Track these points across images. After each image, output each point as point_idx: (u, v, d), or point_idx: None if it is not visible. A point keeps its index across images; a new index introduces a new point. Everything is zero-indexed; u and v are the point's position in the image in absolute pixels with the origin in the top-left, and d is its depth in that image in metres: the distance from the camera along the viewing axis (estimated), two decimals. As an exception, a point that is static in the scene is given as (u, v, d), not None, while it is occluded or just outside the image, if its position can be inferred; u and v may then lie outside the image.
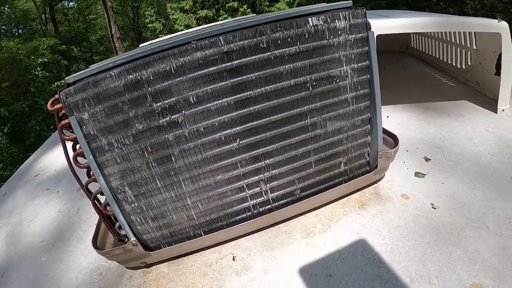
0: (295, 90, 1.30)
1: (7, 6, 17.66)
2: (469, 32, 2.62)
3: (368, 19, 1.40)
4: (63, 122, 1.25)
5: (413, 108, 2.53)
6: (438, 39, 3.18)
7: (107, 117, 1.20)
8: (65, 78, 1.26)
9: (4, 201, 2.56)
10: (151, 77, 1.17)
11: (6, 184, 2.97)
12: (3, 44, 15.42)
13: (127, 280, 1.52)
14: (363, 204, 1.65)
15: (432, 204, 1.61)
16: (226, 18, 7.57)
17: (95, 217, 1.98)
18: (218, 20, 7.93)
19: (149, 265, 1.55)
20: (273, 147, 1.35)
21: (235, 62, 1.21)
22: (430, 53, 3.42)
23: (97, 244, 1.49)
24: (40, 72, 12.51)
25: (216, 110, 1.24)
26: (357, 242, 1.47)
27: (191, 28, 8.26)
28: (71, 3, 21.59)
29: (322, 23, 1.26)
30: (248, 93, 1.25)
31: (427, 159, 1.93)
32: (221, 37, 1.17)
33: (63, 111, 1.23)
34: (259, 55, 1.22)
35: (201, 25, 8.22)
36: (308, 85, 1.31)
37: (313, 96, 1.34)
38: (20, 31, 19.34)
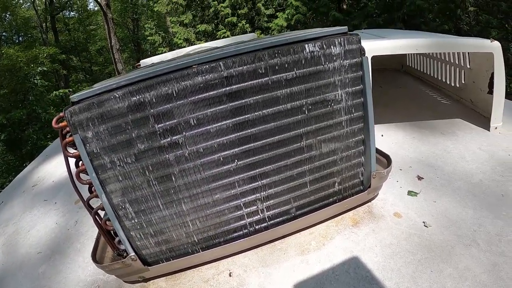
0: (291, 114, 1.35)
1: (9, 13, 17.73)
2: (463, 52, 2.68)
3: (364, 40, 1.45)
4: (67, 139, 1.29)
5: (407, 126, 2.58)
6: (433, 58, 3.25)
7: (110, 136, 1.25)
8: (70, 97, 1.29)
9: (0, 210, 2.56)
10: (154, 100, 1.22)
11: (2, 193, 2.97)
12: (3, 51, 15.46)
13: (125, 294, 1.55)
14: (356, 222, 1.69)
15: (424, 223, 1.65)
16: (225, 33, 7.65)
17: (93, 231, 2.00)
18: (217, 35, 8.04)
19: (147, 280, 1.57)
20: (270, 168, 1.40)
21: (234, 86, 1.26)
22: (425, 71, 3.49)
23: (96, 258, 1.51)
24: (39, 80, 12.54)
25: (216, 132, 1.29)
26: (350, 260, 1.50)
27: (190, 41, 8.36)
28: (72, 13, 21.75)
29: (318, 49, 1.32)
30: (246, 116, 1.30)
31: (420, 178, 1.97)
32: (221, 62, 1.23)
33: (68, 128, 1.27)
34: (257, 80, 1.28)
35: (200, 39, 8.32)
36: (304, 108, 1.36)
37: (309, 119, 1.39)
38: (20, 38, 19.42)
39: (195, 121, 1.26)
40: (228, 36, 7.62)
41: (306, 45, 1.30)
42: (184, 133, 1.26)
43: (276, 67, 1.28)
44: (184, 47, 8.35)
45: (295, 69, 1.30)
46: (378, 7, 8.60)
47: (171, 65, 1.23)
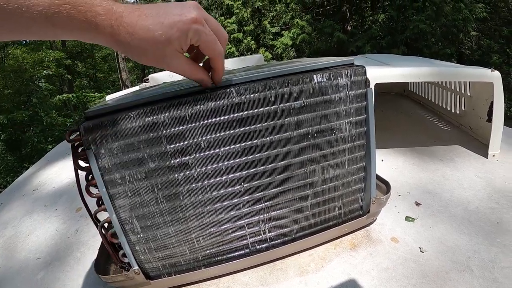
0: (297, 141, 1.41)
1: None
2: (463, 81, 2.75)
3: (368, 67, 1.51)
4: (80, 154, 1.33)
5: (407, 152, 2.63)
6: (434, 84, 3.32)
7: (123, 153, 1.29)
8: (85, 112, 1.33)
9: (-1, 211, 2.57)
10: (167, 121, 1.26)
11: (1, 195, 2.96)
12: (9, 51, 15.59)
13: (125, 306, 1.57)
14: (355, 246, 1.73)
15: (420, 248, 1.68)
16: (230, 49, 7.75)
17: (94, 240, 2.03)
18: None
19: (147, 293, 1.60)
20: (274, 191, 1.44)
21: (244, 113, 1.31)
22: (426, 97, 3.56)
23: (99, 269, 1.54)
24: (43, 84, 12.62)
25: (224, 156, 1.34)
26: (347, 282, 1.53)
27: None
28: (80, 19, 21.90)
29: (326, 80, 1.37)
30: (254, 141, 1.35)
31: (417, 204, 2.01)
32: (233, 89, 1.28)
33: (80, 143, 1.31)
34: (267, 108, 1.33)
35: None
36: (309, 136, 1.41)
37: (314, 146, 1.44)
38: (27, 40, 19.54)
39: (205, 144, 1.30)
40: (233, 52, 7.71)
41: (315, 76, 1.35)
42: (194, 154, 1.31)
43: (285, 96, 1.33)
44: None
45: (303, 98, 1.36)
46: (382, 30, 8.74)
47: (185, 87, 1.28)
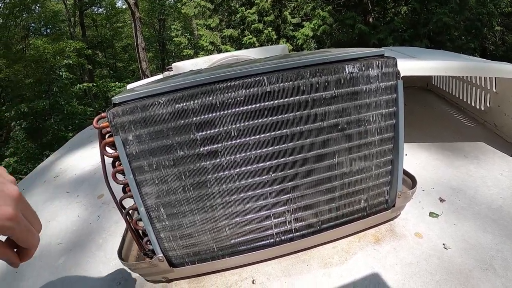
0: (327, 131, 1.39)
1: (38, 5, 18.14)
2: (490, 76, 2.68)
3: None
4: (107, 140, 1.33)
5: (431, 147, 2.59)
6: (459, 79, 3.25)
7: (151, 140, 1.29)
8: (112, 98, 1.33)
9: (21, 196, 2.60)
10: (197, 108, 1.26)
11: (24, 181, 3.02)
12: (31, 42, 15.87)
13: (147, 293, 1.58)
14: (378, 239, 1.71)
15: (443, 244, 1.66)
16: (250, 39, 7.70)
17: (116, 227, 2.05)
18: (242, 40, 8.07)
19: (170, 280, 1.61)
20: (302, 182, 1.44)
21: (275, 101, 1.30)
22: (450, 92, 3.48)
23: (122, 255, 1.56)
24: (64, 73, 12.83)
25: (254, 144, 1.33)
26: (371, 276, 1.52)
27: (216, 45, 8.42)
28: (100, 10, 22.19)
29: (357, 71, 1.35)
30: (284, 131, 1.34)
31: (441, 200, 1.98)
32: (265, 77, 1.27)
33: (108, 129, 1.31)
34: (298, 97, 1.31)
35: (225, 43, 8.38)
36: (339, 127, 1.40)
37: (343, 138, 1.42)
38: (48, 30, 19.86)
39: (235, 132, 1.30)
40: (254, 43, 7.66)
41: (346, 66, 1.33)
42: (223, 143, 1.31)
43: (317, 85, 1.32)
44: (210, 50, 8.45)
45: (334, 88, 1.34)
46: (404, 22, 8.59)
47: (217, 75, 1.27)
